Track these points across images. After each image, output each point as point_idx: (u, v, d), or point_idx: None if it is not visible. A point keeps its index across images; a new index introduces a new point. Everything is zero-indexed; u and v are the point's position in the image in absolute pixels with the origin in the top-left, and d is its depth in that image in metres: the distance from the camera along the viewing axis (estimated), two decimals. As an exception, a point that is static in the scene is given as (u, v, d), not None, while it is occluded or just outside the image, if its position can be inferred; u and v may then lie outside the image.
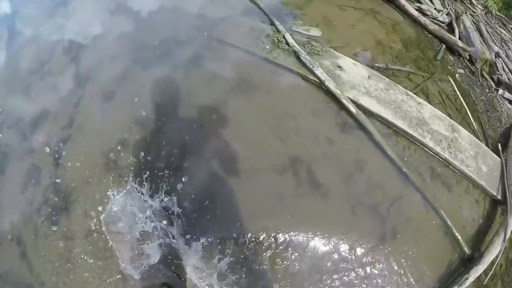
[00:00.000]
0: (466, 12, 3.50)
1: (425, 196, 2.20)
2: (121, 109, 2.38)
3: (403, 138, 2.33)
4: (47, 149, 2.37)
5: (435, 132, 2.34)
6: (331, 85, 2.28)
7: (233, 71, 2.44)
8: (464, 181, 2.35)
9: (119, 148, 2.22)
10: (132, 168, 2.18)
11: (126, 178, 2.16)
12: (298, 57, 2.41)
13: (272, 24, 2.71)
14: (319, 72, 2.30)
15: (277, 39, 2.53)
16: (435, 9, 3.45)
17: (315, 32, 2.73)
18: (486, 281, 2.15)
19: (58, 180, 2.22)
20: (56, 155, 2.34)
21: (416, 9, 3.34)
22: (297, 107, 2.29)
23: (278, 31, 2.60)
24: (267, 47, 2.51)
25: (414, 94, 2.52)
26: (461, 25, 3.29)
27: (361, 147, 2.25)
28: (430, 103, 2.52)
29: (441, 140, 2.33)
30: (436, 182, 2.30)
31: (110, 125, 2.36)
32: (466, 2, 3.76)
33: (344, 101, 2.24)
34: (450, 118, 2.52)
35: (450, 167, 2.32)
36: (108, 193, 2.11)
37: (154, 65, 2.52)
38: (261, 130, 2.19)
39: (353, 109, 2.24)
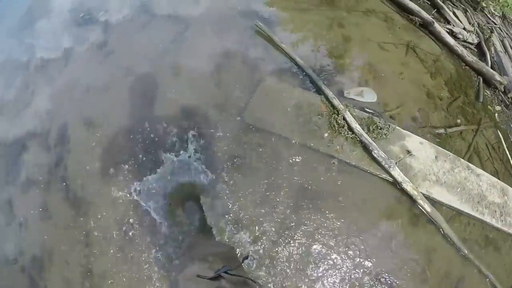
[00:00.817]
0: (492, 29, 3.22)
1: (480, 268, 2.34)
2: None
3: (465, 217, 2.31)
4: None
5: (491, 204, 2.35)
6: (408, 186, 2.03)
7: (291, 179, 1.98)
8: (509, 238, 2.54)
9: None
10: None
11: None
12: (366, 148, 2.03)
13: (320, 92, 2.15)
14: (396, 173, 2.01)
15: (336, 121, 2.06)
16: (464, 29, 3.10)
17: (369, 96, 2.27)
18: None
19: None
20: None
21: (447, 32, 2.96)
22: (373, 215, 2.04)
23: (333, 106, 2.09)
24: (326, 135, 2.04)
25: (469, 159, 2.42)
26: (492, 48, 3.06)
27: (430, 240, 2.18)
28: (482, 166, 2.47)
29: (495, 211, 2.36)
30: (488, 248, 2.42)
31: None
32: (486, 12, 3.43)
33: (420, 201, 2.05)
34: (497, 174, 2.54)
35: (500, 231, 2.44)
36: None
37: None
38: (339, 252, 1.94)
39: (428, 208, 2.08)
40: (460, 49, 2.89)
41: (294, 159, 1.99)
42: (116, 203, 1.96)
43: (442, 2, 3.33)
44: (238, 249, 1.82)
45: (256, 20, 2.50)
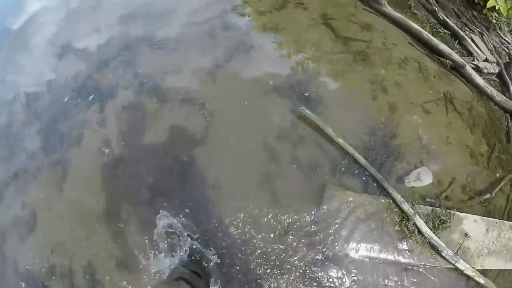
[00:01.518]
0: (510, 54, 3.17)
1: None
2: None
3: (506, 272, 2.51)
4: None
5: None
6: (469, 271, 2.12)
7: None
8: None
9: None
10: None
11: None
12: (434, 248, 2.04)
13: (385, 192, 2.04)
14: (460, 264, 2.07)
15: (407, 228, 2.01)
16: (486, 60, 3.00)
17: (427, 178, 2.20)
18: None
19: None
20: None
21: (473, 68, 2.85)
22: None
23: (402, 210, 2.01)
24: (398, 243, 2.00)
25: (509, 212, 2.54)
26: (513, 77, 3.05)
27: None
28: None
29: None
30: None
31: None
32: (498, 32, 3.34)
33: (477, 279, 2.17)
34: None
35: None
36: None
37: None
38: None
39: (482, 280, 2.21)
40: (489, 89, 2.84)
41: (370, 278, 1.92)
42: None
43: (459, 29, 3.17)
44: None
45: (295, 98, 2.19)
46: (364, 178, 2.05)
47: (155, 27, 2.90)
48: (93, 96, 2.40)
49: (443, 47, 2.82)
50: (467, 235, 2.23)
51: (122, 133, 2.17)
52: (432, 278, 2.16)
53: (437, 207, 2.17)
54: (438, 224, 2.10)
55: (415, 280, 2.09)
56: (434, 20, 3.25)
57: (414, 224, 2.02)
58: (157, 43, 2.69)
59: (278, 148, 2.05)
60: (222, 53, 2.49)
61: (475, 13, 3.52)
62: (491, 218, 2.40)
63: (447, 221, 2.13)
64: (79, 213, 2.02)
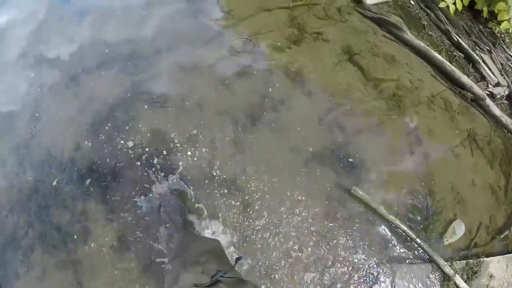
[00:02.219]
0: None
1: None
2: None
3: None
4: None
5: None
6: (496, 310, 2.31)
7: None
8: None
9: None
10: None
11: None
12: (470, 299, 2.16)
13: (431, 259, 2.08)
14: (491, 310, 2.23)
15: (448, 286, 2.12)
16: (498, 83, 3.02)
17: (460, 230, 2.33)
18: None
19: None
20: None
21: (488, 95, 2.87)
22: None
23: (444, 272, 2.10)
24: None
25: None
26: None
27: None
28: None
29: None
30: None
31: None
32: (504, 47, 3.34)
33: (501, 313, 2.40)
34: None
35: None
36: None
37: None
38: None
39: (503, 312, 2.46)
40: (505, 118, 2.90)
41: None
42: None
43: (471, 49, 3.11)
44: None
45: (339, 166, 2.04)
46: (414, 251, 2.07)
47: (146, 74, 2.24)
48: (89, 180, 1.91)
49: (465, 79, 2.76)
50: (492, 276, 2.42)
51: (141, 228, 1.84)
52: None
53: (469, 259, 2.30)
54: (471, 275, 2.26)
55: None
56: (448, 41, 3.15)
57: (454, 283, 2.15)
58: (156, 100, 2.10)
59: (330, 231, 1.91)
60: (245, 112, 2.14)
61: (481, 27, 3.46)
62: (509, 254, 2.61)
63: (478, 271, 2.30)
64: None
